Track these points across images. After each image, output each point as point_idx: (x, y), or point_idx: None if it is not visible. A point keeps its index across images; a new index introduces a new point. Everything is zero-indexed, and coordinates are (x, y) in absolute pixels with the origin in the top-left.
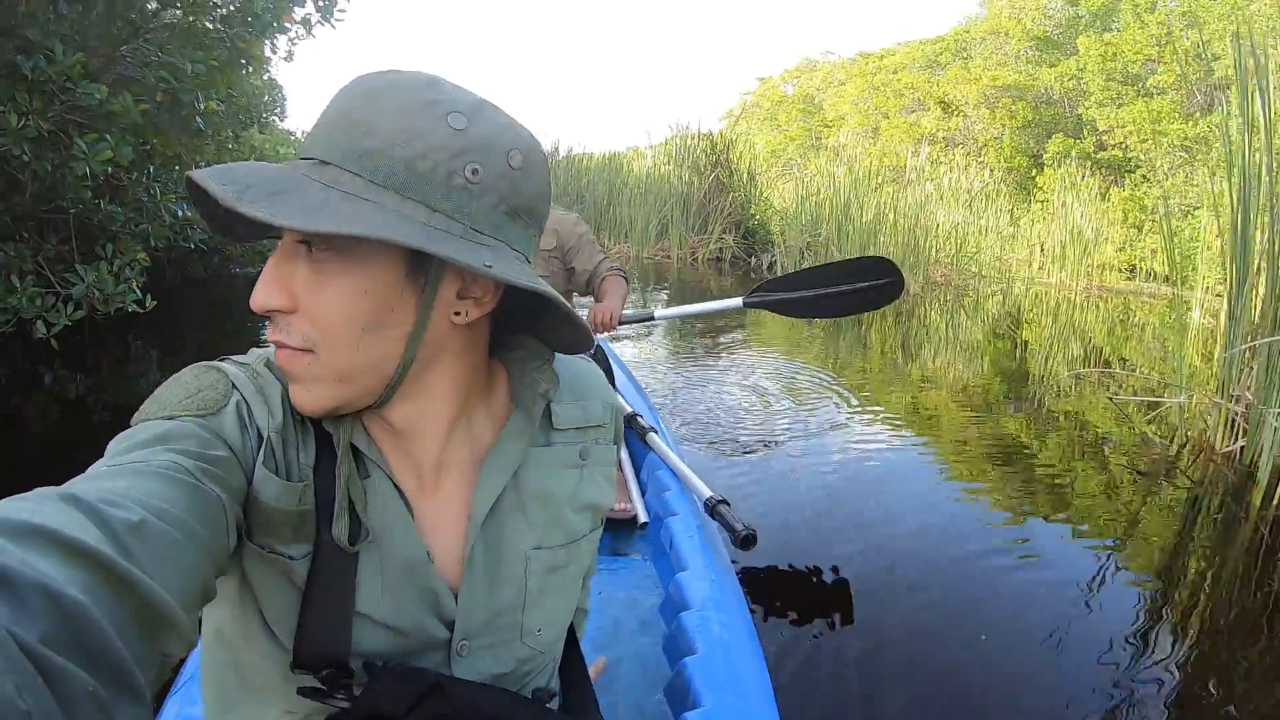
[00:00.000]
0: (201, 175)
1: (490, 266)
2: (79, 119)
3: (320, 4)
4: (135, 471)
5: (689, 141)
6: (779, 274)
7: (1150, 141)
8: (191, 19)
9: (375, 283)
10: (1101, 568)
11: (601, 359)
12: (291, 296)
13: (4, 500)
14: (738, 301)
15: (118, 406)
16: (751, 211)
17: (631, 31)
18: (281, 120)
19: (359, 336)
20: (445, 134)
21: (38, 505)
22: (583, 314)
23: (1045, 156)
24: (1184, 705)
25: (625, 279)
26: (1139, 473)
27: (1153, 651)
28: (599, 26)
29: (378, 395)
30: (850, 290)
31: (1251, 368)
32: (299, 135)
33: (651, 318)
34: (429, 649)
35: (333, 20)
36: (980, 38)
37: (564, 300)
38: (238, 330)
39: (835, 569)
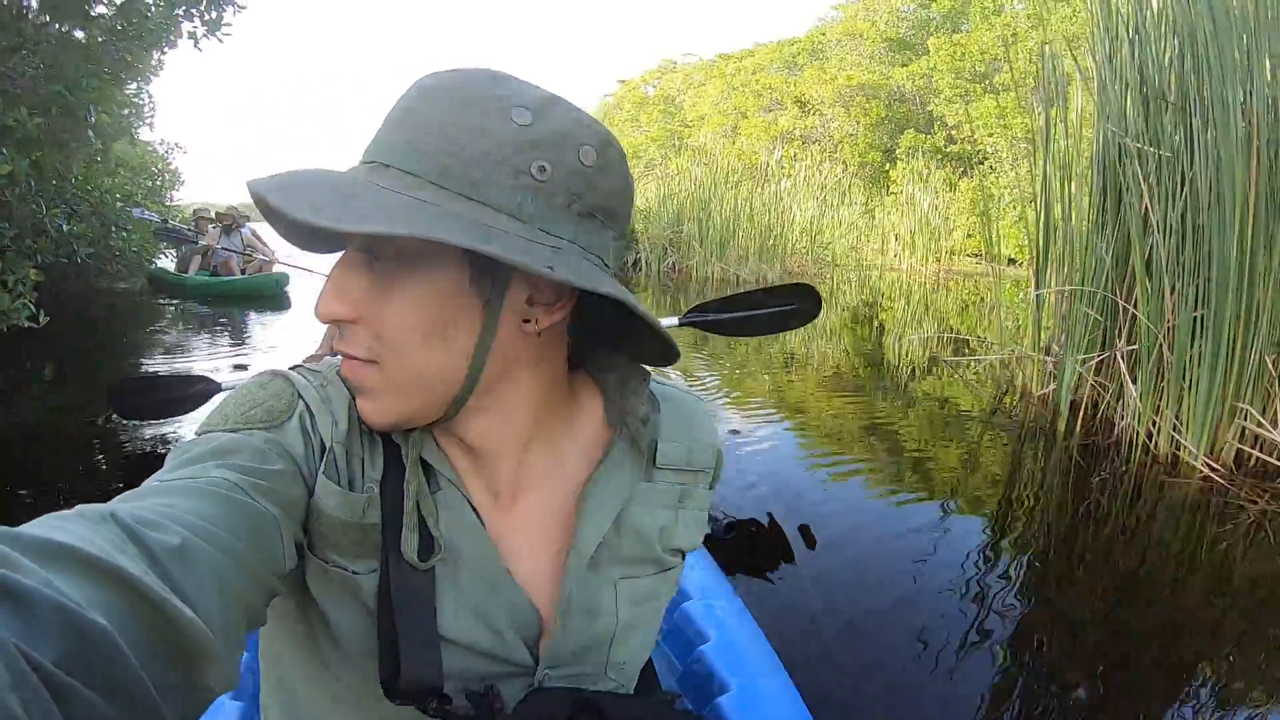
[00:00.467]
0: (261, 185)
1: (551, 268)
2: None
3: (207, 20)
4: (184, 489)
5: None
6: (643, 270)
7: (997, 135)
8: (80, 32)
9: (436, 290)
10: (951, 500)
11: None
12: (354, 306)
13: (40, 518)
14: (674, 320)
15: (13, 422)
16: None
17: (493, 33)
18: (152, 131)
19: (422, 347)
20: (510, 130)
21: (71, 524)
22: None
23: (898, 151)
24: (1024, 597)
25: None
26: (980, 421)
27: (995, 561)
28: (461, 27)
29: (445, 409)
30: (776, 312)
31: (1063, 326)
32: (170, 146)
33: None
34: (511, 675)
35: (219, 35)
36: (836, 39)
37: (639, 305)
38: (128, 345)
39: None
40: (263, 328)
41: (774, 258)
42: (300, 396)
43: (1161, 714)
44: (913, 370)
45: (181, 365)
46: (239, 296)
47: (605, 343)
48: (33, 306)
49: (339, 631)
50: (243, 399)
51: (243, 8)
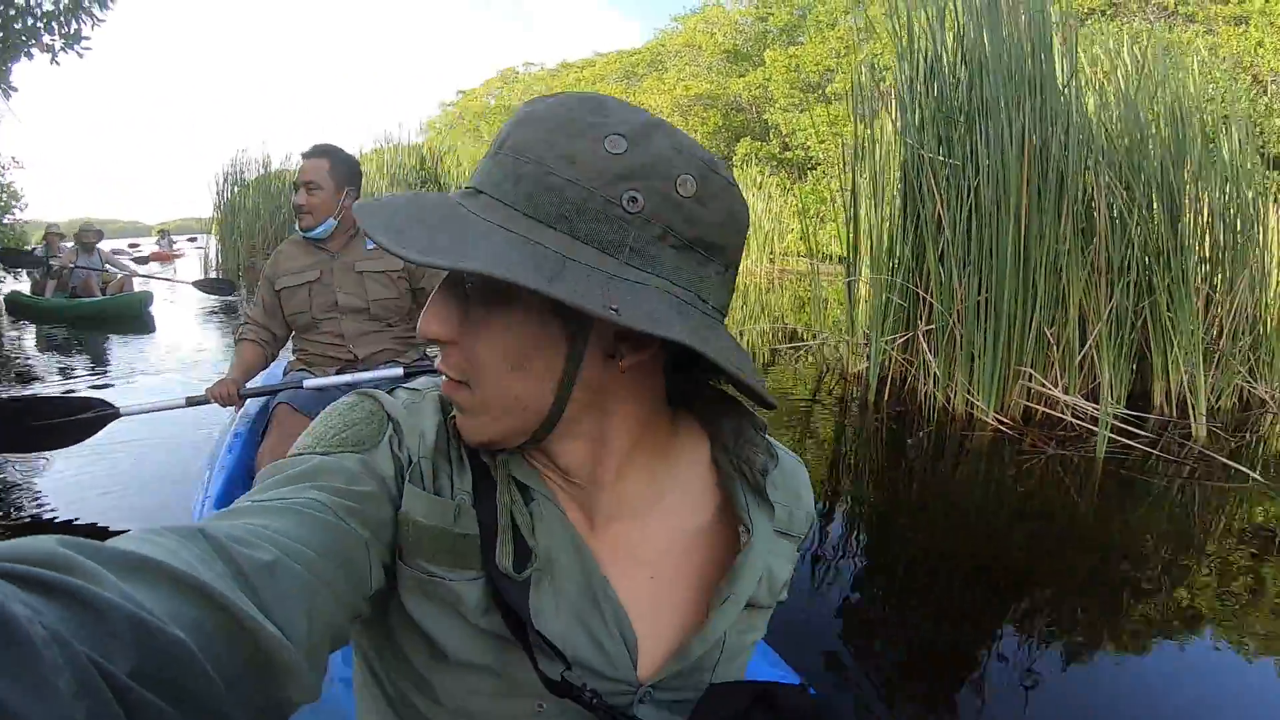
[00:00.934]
0: (361, 209)
1: (616, 310)
2: None
3: (66, 34)
4: (275, 509)
5: (398, 154)
6: None
7: (829, 142)
8: None
9: (520, 321)
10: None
11: None
12: (449, 328)
13: (129, 532)
14: None
15: None
16: None
17: (335, 40)
18: None
19: (506, 375)
20: (601, 159)
21: (160, 539)
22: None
23: (735, 158)
24: (854, 543)
25: None
26: (811, 400)
27: (830, 515)
28: (301, 36)
29: (534, 433)
30: None
31: (872, 313)
32: (7, 162)
33: None
34: (613, 690)
35: (79, 49)
36: (675, 50)
37: (720, 354)
38: None
39: None
40: (125, 349)
41: None
42: (390, 418)
43: (984, 626)
44: (755, 361)
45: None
46: (102, 318)
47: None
48: None
49: (442, 645)
50: (333, 421)
51: (101, 21)
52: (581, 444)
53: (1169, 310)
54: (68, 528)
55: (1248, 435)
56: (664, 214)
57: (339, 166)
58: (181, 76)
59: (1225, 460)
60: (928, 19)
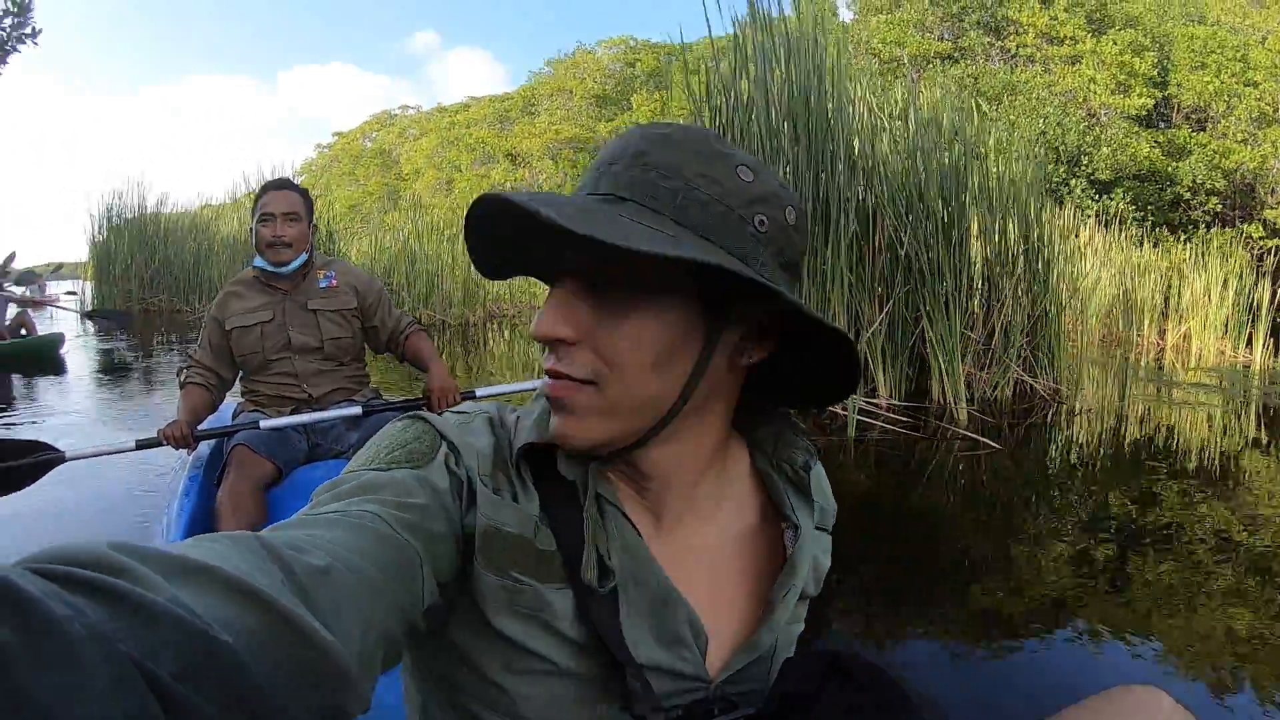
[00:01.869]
0: (534, 199)
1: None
2: None
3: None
4: (331, 521)
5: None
6: None
7: None
8: None
9: (669, 317)
10: None
11: None
12: (578, 328)
13: (187, 539)
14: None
15: None
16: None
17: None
18: None
19: (646, 372)
20: (738, 184)
21: (215, 544)
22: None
23: None
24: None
25: (428, 335)
26: None
27: None
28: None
29: (643, 435)
30: None
31: None
32: None
33: (474, 395)
34: (690, 690)
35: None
36: (547, 94)
37: (851, 345)
38: None
39: None
40: (43, 393)
41: (477, 302)
42: (443, 437)
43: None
44: None
45: None
46: (10, 360)
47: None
48: None
49: (532, 650)
50: (386, 440)
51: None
52: (675, 445)
53: (934, 318)
54: None
55: (1007, 419)
56: (778, 237)
57: (307, 200)
58: (39, 113)
59: (971, 434)
60: (728, 71)
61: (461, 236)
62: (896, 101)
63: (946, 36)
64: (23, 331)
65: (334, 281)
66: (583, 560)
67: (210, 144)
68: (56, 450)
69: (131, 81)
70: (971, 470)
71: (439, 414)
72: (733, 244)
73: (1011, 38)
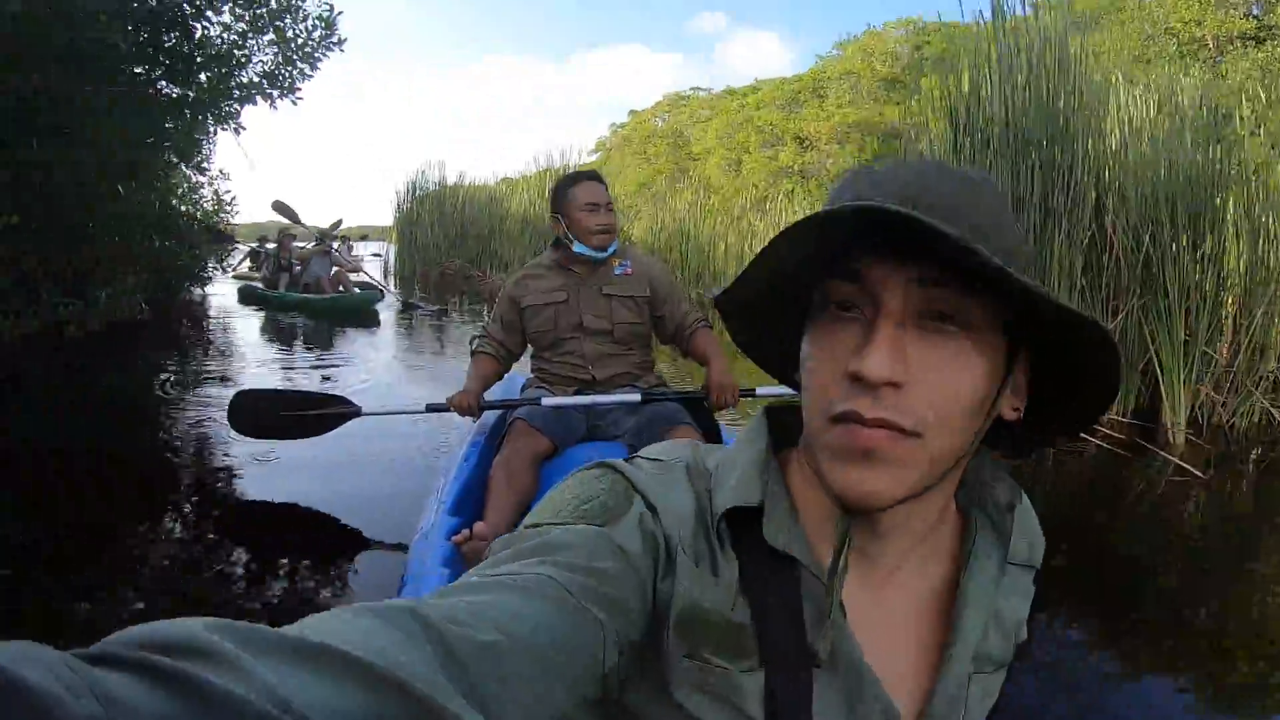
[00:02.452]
0: (909, 212)
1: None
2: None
3: (283, 86)
4: (505, 585)
5: (556, 178)
6: None
7: None
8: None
9: (992, 366)
10: None
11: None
12: (908, 369)
13: (328, 611)
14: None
15: (121, 387)
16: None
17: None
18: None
19: (966, 423)
20: (1021, 235)
21: (356, 619)
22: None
23: None
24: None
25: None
26: None
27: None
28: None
29: (928, 486)
30: None
31: None
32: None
33: (753, 393)
34: None
35: (293, 99)
36: (835, 77)
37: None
38: (202, 336)
39: None
40: (355, 346)
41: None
42: (638, 491)
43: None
44: None
45: (264, 357)
46: (334, 313)
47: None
48: (142, 304)
49: None
50: (574, 494)
51: (310, 76)
52: (926, 500)
53: (1162, 331)
54: (297, 519)
55: (1239, 450)
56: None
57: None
58: (357, 93)
59: (1178, 461)
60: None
61: (738, 217)
62: (1177, 91)
63: (1254, 13)
64: (340, 288)
65: (629, 269)
66: (786, 640)
67: (507, 122)
68: (354, 405)
69: (439, 64)
70: (1173, 501)
71: (715, 411)
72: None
73: None
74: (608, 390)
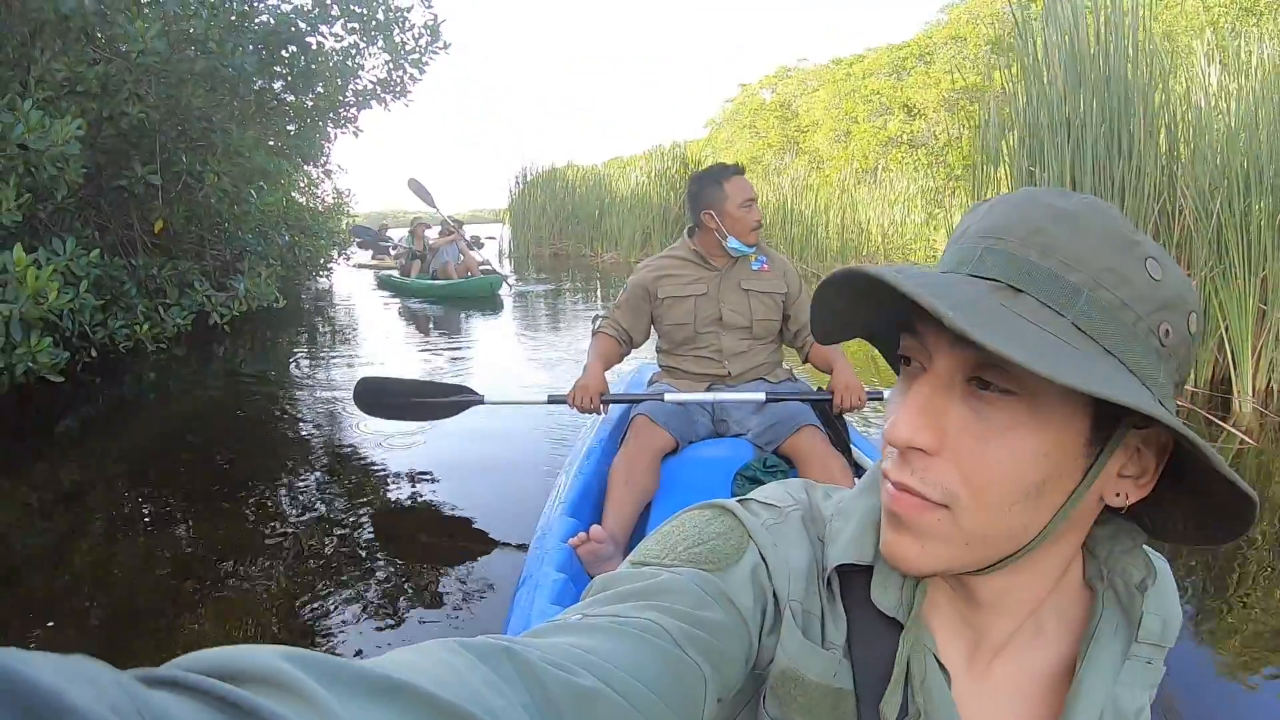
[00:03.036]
0: (910, 285)
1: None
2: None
3: (395, 90)
4: (604, 629)
5: (664, 158)
6: None
7: None
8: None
9: (1056, 444)
10: None
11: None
12: (942, 436)
13: (417, 644)
14: None
15: (260, 370)
16: None
17: (631, 39)
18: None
19: (1013, 503)
20: (1147, 283)
21: (445, 656)
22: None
23: (1004, 154)
24: None
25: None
26: None
27: None
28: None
29: (991, 564)
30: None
31: None
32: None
33: (880, 395)
34: None
35: (405, 101)
36: (942, 42)
37: (1250, 495)
38: (325, 326)
39: None
40: (472, 325)
41: (851, 254)
42: (751, 538)
43: None
44: None
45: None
46: (459, 297)
47: None
48: (277, 293)
49: None
50: (685, 533)
51: (420, 79)
52: (1019, 576)
53: (1227, 295)
54: (402, 510)
55: None
56: (1180, 350)
57: None
58: (467, 80)
59: (1237, 431)
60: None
61: (842, 191)
62: (1243, 53)
63: None
64: (469, 273)
65: (765, 266)
66: (880, 702)
67: (615, 102)
68: (477, 394)
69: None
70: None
71: (840, 413)
72: (1137, 360)
73: None
74: (739, 385)
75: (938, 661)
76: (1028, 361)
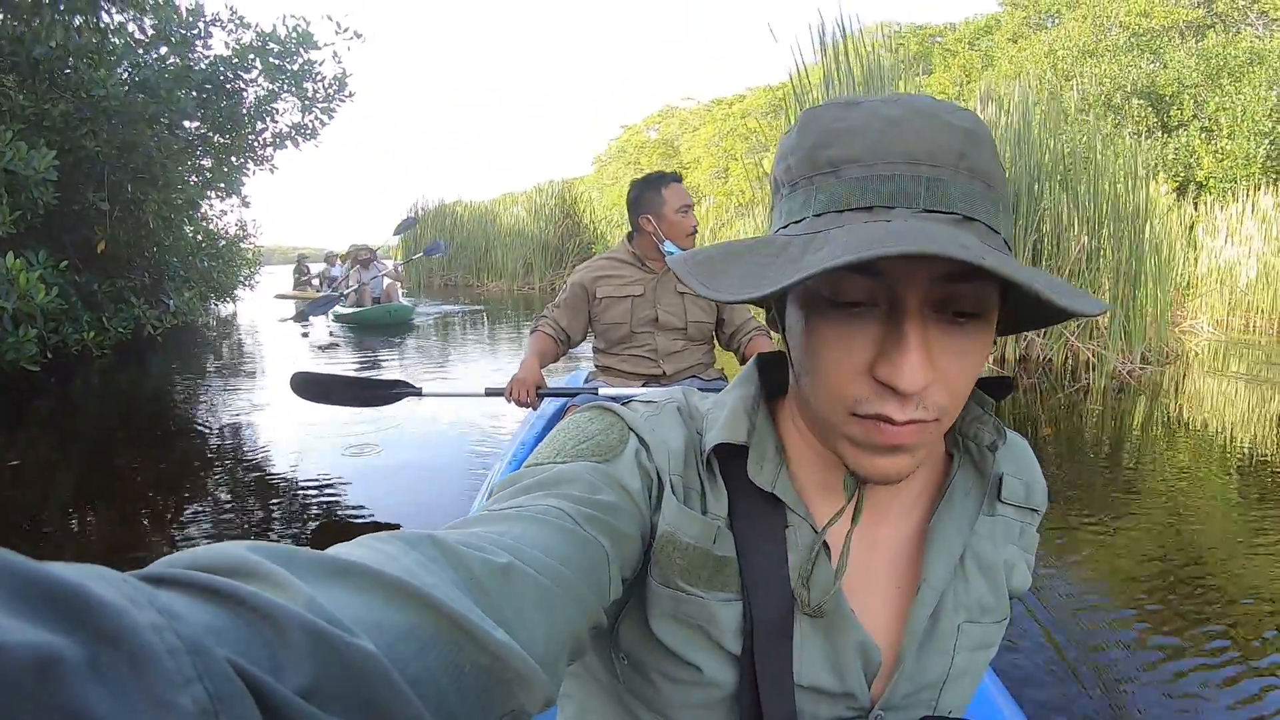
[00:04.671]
0: (940, 247)
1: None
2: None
3: (306, 134)
4: (514, 516)
5: (543, 195)
6: None
7: None
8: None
9: (990, 338)
10: None
11: None
12: (934, 368)
13: (357, 539)
14: None
15: (191, 369)
16: (595, 250)
17: (518, 74)
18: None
19: (968, 395)
20: (1004, 175)
21: (381, 544)
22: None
23: None
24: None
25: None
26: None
27: None
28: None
29: None
30: None
31: None
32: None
33: None
34: (846, 715)
35: (314, 143)
36: (818, 82)
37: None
38: (247, 340)
39: None
40: (389, 349)
41: None
42: (632, 430)
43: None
44: None
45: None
46: (375, 324)
47: None
48: (200, 310)
49: (698, 668)
50: (572, 432)
51: (327, 123)
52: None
53: None
54: (330, 498)
55: (1046, 382)
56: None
57: None
58: (361, 116)
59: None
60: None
61: (721, 218)
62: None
63: (1200, 2)
64: (389, 300)
65: None
66: (770, 576)
67: (507, 140)
68: (415, 386)
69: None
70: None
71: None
72: (1010, 241)
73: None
74: (668, 384)
75: (815, 531)
76: (1055, 298)
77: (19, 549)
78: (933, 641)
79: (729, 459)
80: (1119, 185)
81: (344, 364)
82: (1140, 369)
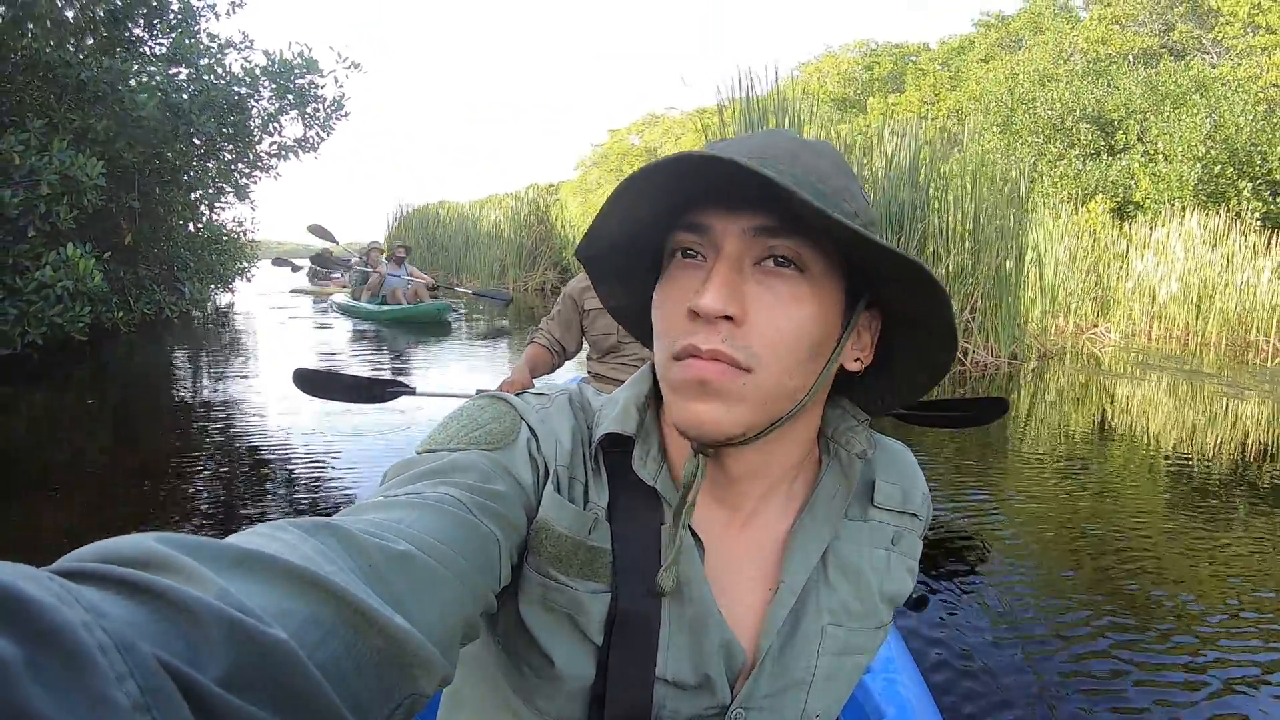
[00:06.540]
0: (739, 161)
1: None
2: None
3: (307, 147)
4: (408, 504)
5: (519, 200)
6: None
7: None
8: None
9: (825, 309)
10: None
11: None
12: (743, 306)
13: (252, 528)
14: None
15: (203, 349)
16: (565, 254)
17: (508, 91)
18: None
19: (800, 361)
20: (864, 204)
21: (279, 533)
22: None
23: None
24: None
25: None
26: None
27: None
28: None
29: (766, 429)
30: (963, 415)
31: None
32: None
33: None
34: (705, 713)
35: (314, 155)
36: (796, 97)
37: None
38: (251, 328)
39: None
40: (424, 350)
41: None
42: (523, 419)
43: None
44: None
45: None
46: (408, 322)
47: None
48: (211, 297)
49: (551, 660)
50: (464, 421)
51: (325, 138)
52: (776, 444)
53: None
54: (314, 489)
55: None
56: None
57: None
58: (356, 132)
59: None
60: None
61: None
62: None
63: (1158, 29)
64: (418, 299)
65: None
66: (639, 568)
67: (495, 144)
68: (409, 385)
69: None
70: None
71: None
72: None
73: (1218, 28)
74: None
75: (693, 532)
76: (825, 209)
77: (56, 495)
78: (794, 643)
79: (615, 453)
80: (987, 208)
81: (343, 360)
82: (1010, 362)
